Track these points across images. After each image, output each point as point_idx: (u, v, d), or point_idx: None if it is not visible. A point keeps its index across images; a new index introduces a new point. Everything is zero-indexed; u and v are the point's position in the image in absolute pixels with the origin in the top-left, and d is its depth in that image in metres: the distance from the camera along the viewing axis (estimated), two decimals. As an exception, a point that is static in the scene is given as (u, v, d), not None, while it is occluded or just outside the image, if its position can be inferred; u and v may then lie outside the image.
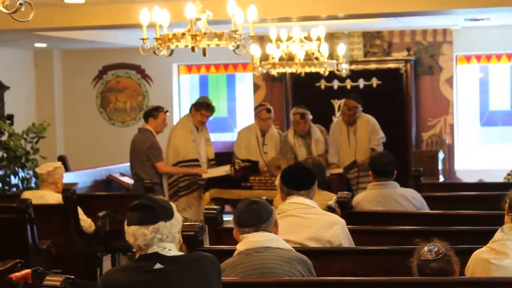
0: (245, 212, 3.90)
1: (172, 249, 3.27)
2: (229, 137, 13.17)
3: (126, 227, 3.29)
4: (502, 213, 4.00)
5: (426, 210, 5.98)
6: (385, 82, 11.51)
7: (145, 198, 3.32)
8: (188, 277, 3.23)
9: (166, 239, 3.25)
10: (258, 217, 3.88)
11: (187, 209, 8.57)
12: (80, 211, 6.92)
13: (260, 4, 6.41)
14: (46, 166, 7.03)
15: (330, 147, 8.97)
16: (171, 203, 3.38)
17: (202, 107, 8.58)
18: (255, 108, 9.22)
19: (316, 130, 9.07)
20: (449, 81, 11.82)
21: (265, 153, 8.88)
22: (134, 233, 3.24)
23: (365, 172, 8.47)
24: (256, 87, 12.46)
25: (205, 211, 5.24)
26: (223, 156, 9.83)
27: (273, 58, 8.43)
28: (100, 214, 7.09)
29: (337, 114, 11.48)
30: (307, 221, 4.59)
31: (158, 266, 3.20)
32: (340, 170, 8.73)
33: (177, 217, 3.33)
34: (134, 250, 3.33)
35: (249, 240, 3.85)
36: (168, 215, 3.28)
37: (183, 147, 8.56)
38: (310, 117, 8.98)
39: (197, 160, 8.60)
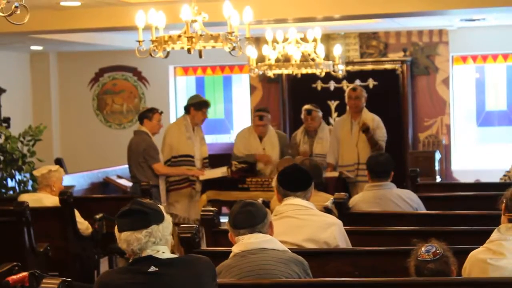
0: (239, 214, 3.90)
1: (165, 252, 3.27)
2: (226, 138, 13.17)
3: (117, 233, 3.28)
4: (498, 213, 4.01)
5: (423, 210, 5.99)
6: (382, 83, 11.51)
7: (134, 203, 3.30)
8: (183, 280, 3.22)
9: (159, 242, 3.25)
10: (253, 218, 3.88)
11: (175, 204, 8.53)
12: (77, 213, 6.91)
13: (256, 5, 6.42)
14: (42, 169, 7.02)
15: (330, 144, 8.85)
16: (160, 205, 3.38)
17: (203, 105, 8.61)
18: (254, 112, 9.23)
19: (324, 130, 9.00)
20: (446, 82, 11.82)
21: None
22: (127, 238, 3.24)
23: (362, 172, 8.44)
24: (252, 88, 12.46)
25: (202, 213, 5.24)
26: (220, 158, 9.82)
27: (269, 60, 8.42)
28: (97, 216, 7.08)
29: (334, 115, 11.48)
30: (304, 222, 4.59)
31: (153, 269, 3.20)
32: (336, 174, 8.68)
33: (168, 219, 3.33)
34: (127, 255, 3.33)
35: (245, 242, 3.84)
36: (159, 218, 3.27)
37: (176, 144, 8.57)
38: (320, 115, 9.01)
39: (190, 156, 8.58)
